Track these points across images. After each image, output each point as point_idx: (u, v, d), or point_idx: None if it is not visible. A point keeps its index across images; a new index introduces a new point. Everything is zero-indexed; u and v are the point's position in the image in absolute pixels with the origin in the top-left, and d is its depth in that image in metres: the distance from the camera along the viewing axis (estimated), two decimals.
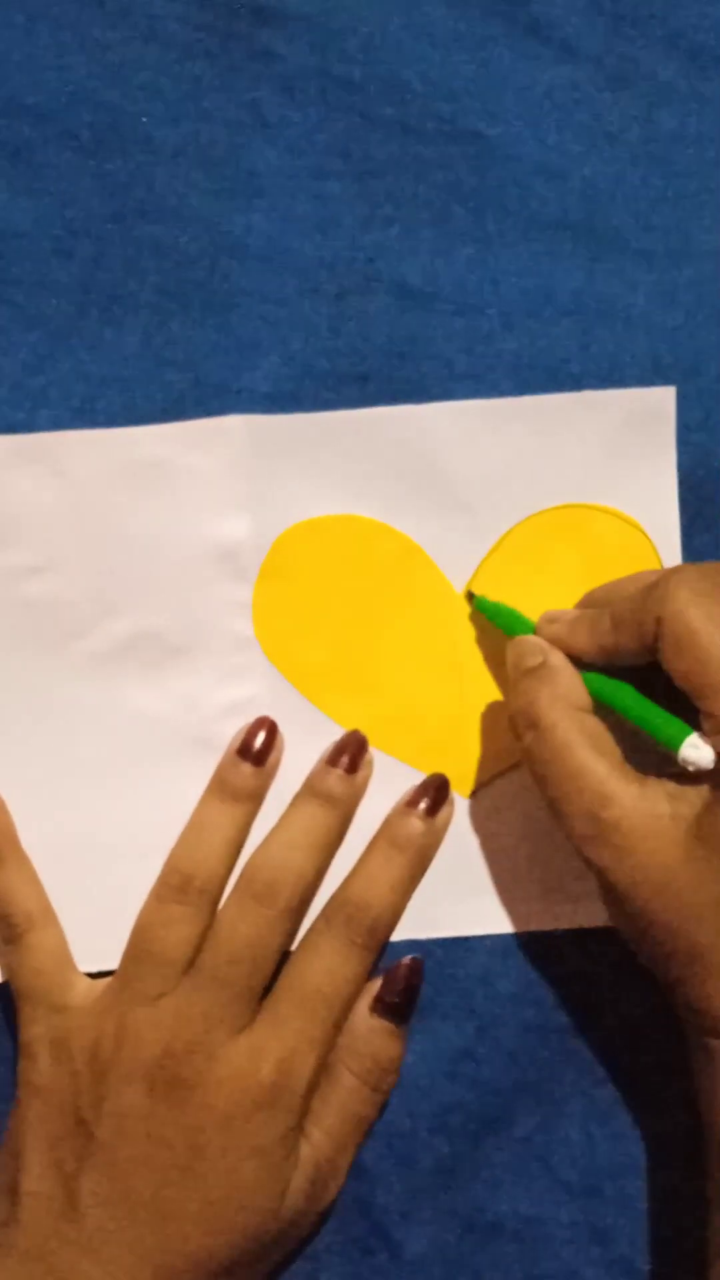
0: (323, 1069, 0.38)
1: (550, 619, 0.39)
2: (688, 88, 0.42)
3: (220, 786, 0.39)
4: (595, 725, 0.37)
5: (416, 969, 0.39)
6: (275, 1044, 0.37)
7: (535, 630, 0.39)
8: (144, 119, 0.42)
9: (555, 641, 0.38)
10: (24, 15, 0.42)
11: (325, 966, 0.38)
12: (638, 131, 0.42)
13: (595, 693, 0.37)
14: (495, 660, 0.41)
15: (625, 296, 0.42)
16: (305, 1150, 0.37)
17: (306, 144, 0.42)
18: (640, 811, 0.35)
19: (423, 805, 0.40)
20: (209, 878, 0.38)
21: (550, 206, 0.42)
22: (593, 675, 0.37)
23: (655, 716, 0.36)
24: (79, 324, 0.41)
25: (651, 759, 0.36)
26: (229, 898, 0.38)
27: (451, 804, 0.40)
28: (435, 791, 0.40)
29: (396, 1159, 0.40)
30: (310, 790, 0.40)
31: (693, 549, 0.41)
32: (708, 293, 0.42)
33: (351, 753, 0.40)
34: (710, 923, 0.34)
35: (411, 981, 0.39)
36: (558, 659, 0.37)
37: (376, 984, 0.39)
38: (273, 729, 0.40)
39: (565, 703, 0.37)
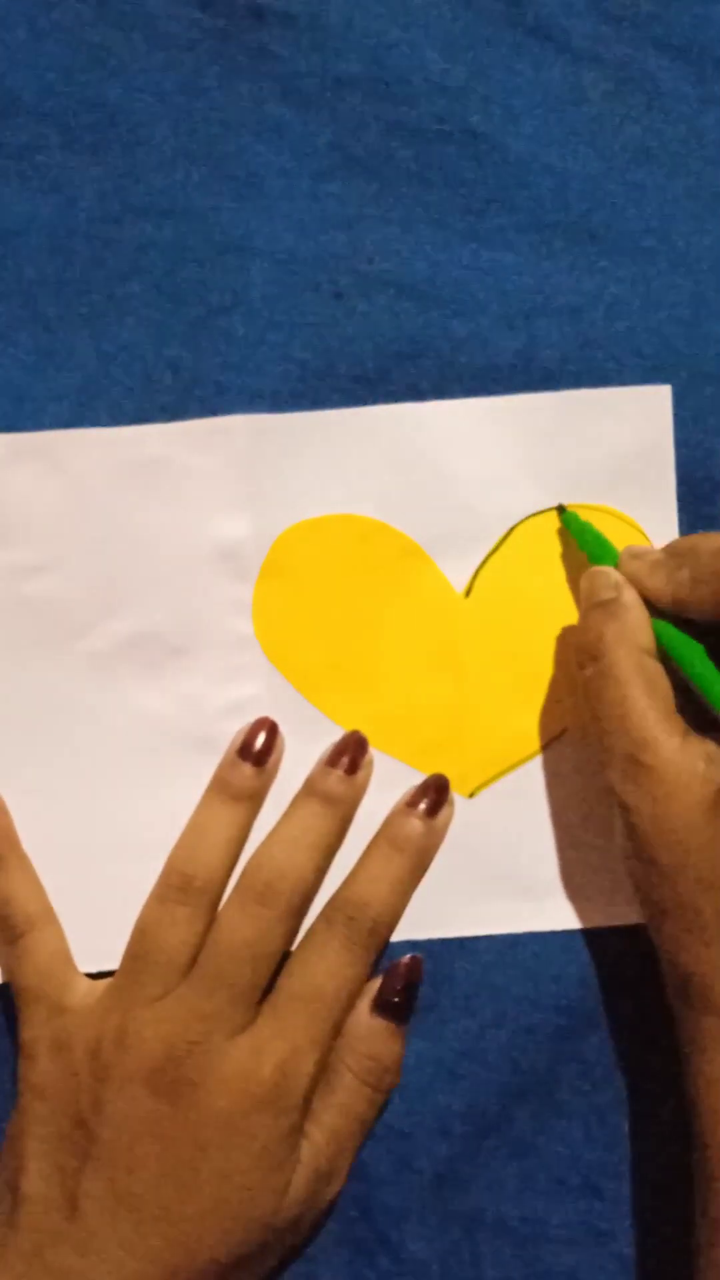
0: (323, 1069, 0.38)
1: (633, 554, 0.39)
2: (687, 87, 0.42)
3: (221, 787, 0.39)
4: (654, 669, 0.37)
5: (416, 968, 0.39)
6: (276, 1044, 0.37)
7: (617, 563, 0.39)
8: (144, 119, 0.42)
9: (632, 578, 0.38)
10: (25, 16, 0.42)
11: (326, 966, 0.38)
12: (638, 131, 0.42)
13: (661, 640, 0.37)
14: (495, 660, 0.41)
15: (625, 296, 0.42)
16: (306, 1150, 0.37)
17: (306, 144, 0.42)
18: (676, 764, 0.35)
19: (423, 806, 0.40)
20: (209, 878, 0.38)
21: (550, 206, 0.42)
22: (662, 623, 0.38)
23: (712, 677, 0.37)
24: (79, 324, 0.41)
25: (699, 720, 0.36)
26: (230, 898, 0.38)
27: (451, 804, 0.40)
28: (435, 792, 0.40)
29: (396, 1159, 0.40)
30: (310, 791, 0.40)
31: None
32: (707, 293, 0.42)
33: (352, 753, 0.40)
34: (716, 892, 0.35)
35: (411, 980, 0.39)
36: (630, 596, 0.37)
37: (376, 984, 0.39)
38: (273, 729, 0.40)
39: (630, 642, 0.37)
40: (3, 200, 0.41)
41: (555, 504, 0.41)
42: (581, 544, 0.40)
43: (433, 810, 0.40)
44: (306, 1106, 0.37)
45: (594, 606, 0.38)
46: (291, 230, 0.42)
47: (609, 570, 0.38)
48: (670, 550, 0.38)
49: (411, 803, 0.40)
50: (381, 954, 0.39)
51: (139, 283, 0.41)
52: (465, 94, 0.42)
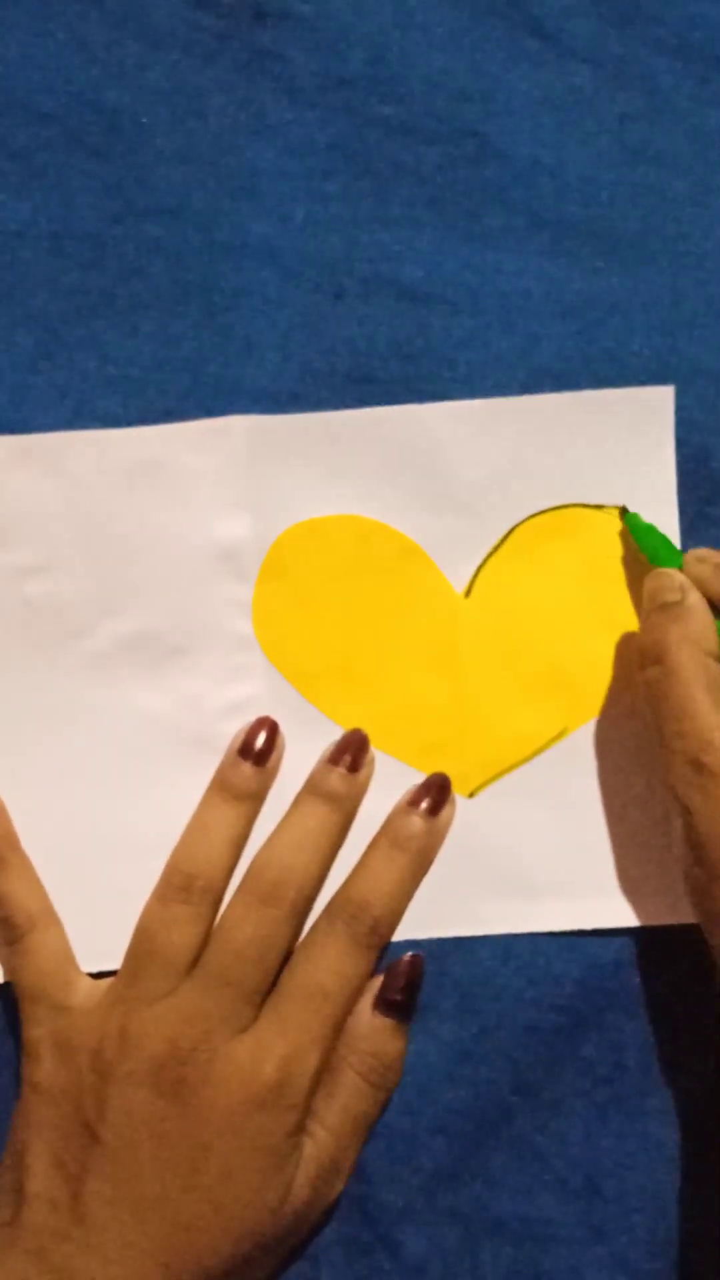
0: (326, 1067, 0.38)
1: (699, 557, 0.39)
2: (687, 87, 0.42)
3: (222, 786, 0.39)
4: (718, 672, 0.37)
5: (418, 965, 0.39)
6: (278, 1043, 0.37)
7: (682, 565, 0.39)
8: (144, 119, 0.42)
9: (698, 582, 0.38)
10: (26, 16, 0.42)
11: (328, 965, 0.38)
12: (637, 131, 0.42)
13: None
14: (495, 660, 0.41)
15: (625, 296, 0.42)
16: (309, 1148, 0.37)
17: (306, 144, 0.42)
18: None
19: (424, 805, 0.40)
20: (212, 878, 0.38)
21: (550, 206, 0.42)
22: None
23: None
24: (79, 324, 0.41)
25: None
26: (234, 897, 0.38)
27: (453, 804, 0.40)
28: (437, 791, 0.40)
29: (396, 1159, 0.40)
30: (313, 789, 0.40)
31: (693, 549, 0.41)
32: (708, 293, 0.42)
33: (353, 752, 0.40)
34: None
35: (413, 978, 0.39)
36: (696, 599, 0.38)
37: (378, 982, 0.39)
38: (274, 729, 0.40)
39: (694, 644, 0.37)
40: (3, 200, 0.41)
41: (561, 503, 0.41)
42: (643, 546, 0.40)
43: (434, 809, 0.40)
44: (309, 1105, 0.37)
45: (658, 608, 0.38)
46: (291, 230, 0.42)
47: (673, 572, 0.38)
48: None
49: (413, 802, 0.40)
50: (384, 953, 0.39)
51: (139, 283, 0.41)
52: (465, 94, 0.42)
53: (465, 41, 0.42)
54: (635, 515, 0.40)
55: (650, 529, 0.40)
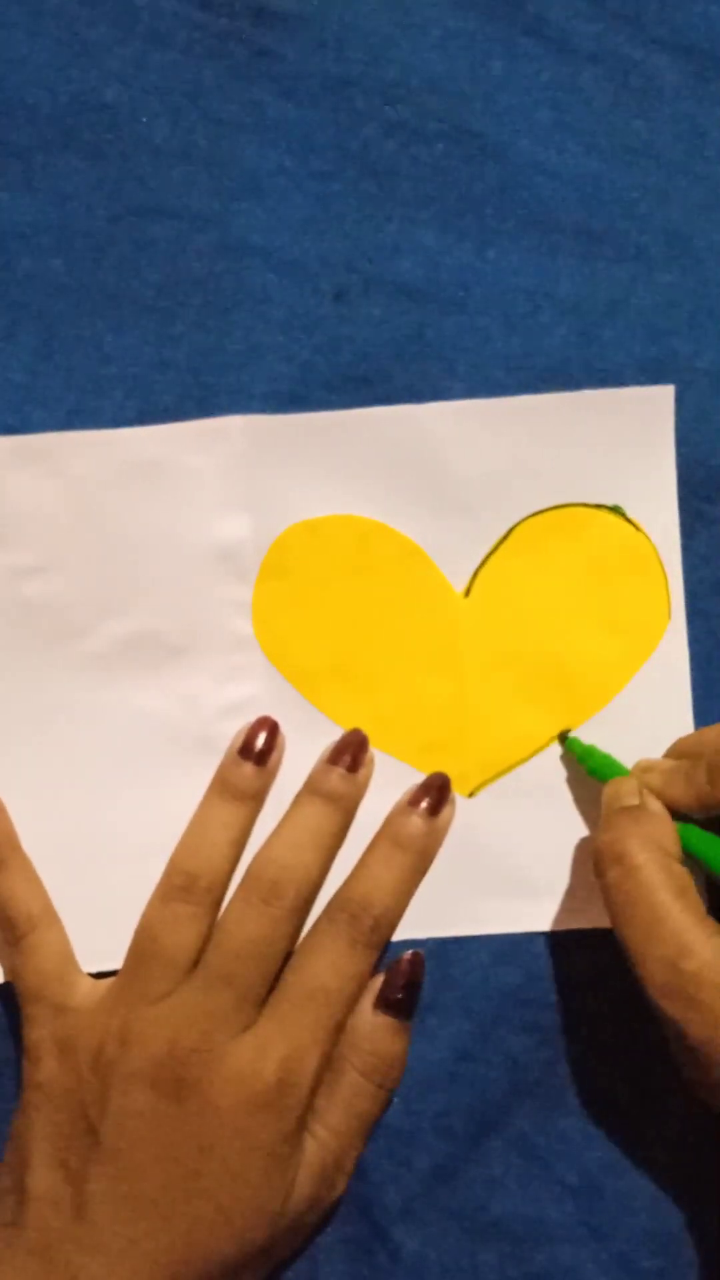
0: (327, 1067, 0.38)
1: (645, 768, 0.39)
2: (687, 87, 0.42)
3: (222, 786, 0.39)
4: (683, 873, 0.36)
5: (418, 963, 0.39)
6: (279, 1042, 0.37)
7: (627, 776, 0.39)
8: (144, 119, 0.42)
9: (651, 790, 0.38)
10: (25, 16, 0.42)
11: (329, 964, 0.38)
12: (637, 131, 0.42)
13: (686, 844, 0.37)
14: (495, 660, 0.41)
15: (625, 296, 0.42)
16: (311, 1148, 0.37)
17: (306, 144, 0.42)
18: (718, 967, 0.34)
19: (424, 804, 0.40)
20: (213, 877, 0.38)
21: (550, 206, 0.42)
22: (687, 826, 0.37)
23: None
24: (79, 324, 0.41)
25: None
26: (235, 897, 0.38)
27: (453, 804, 0.40)
28: (437, 791, 0.40)
29: (396, 1159, 0.40)
30: (313, 789, 0.40)
31: (693, 549, 0.41)
32: (708, 293, 0.42)
33: (353, 751, 0.40)
34: None
35: (413, 977, 0.39)
36: (656, 804, 0.37)
37: (379, 981, 0.39)
38: (274, 729, 0.40)
39: (656, 846, 0.36)
40: (3, 201, 0.41)
41: (556, 503, 0.41)
42: (590, 769, 0.40)
43: (434, 809, 0.40)
44: (310, 1104, 0.37)
45: (618, 812, 0.37)
46: (291, 230, 0.42)
47: (628, 780, 0.38)
48: (678, 753, 0.39)
49: (413, 801, 0.40)
50: (384, 952, 0.39)
51: (139, 283, 0.41)
52: (465, 94, 0.42)
53: (465, 41, 0.42)
54: (575, 739, 0.40)
55: (590, 750, 0.40)
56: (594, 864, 0.37)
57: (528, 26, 0.42)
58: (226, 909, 0.38)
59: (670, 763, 0.39)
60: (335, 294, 0.42)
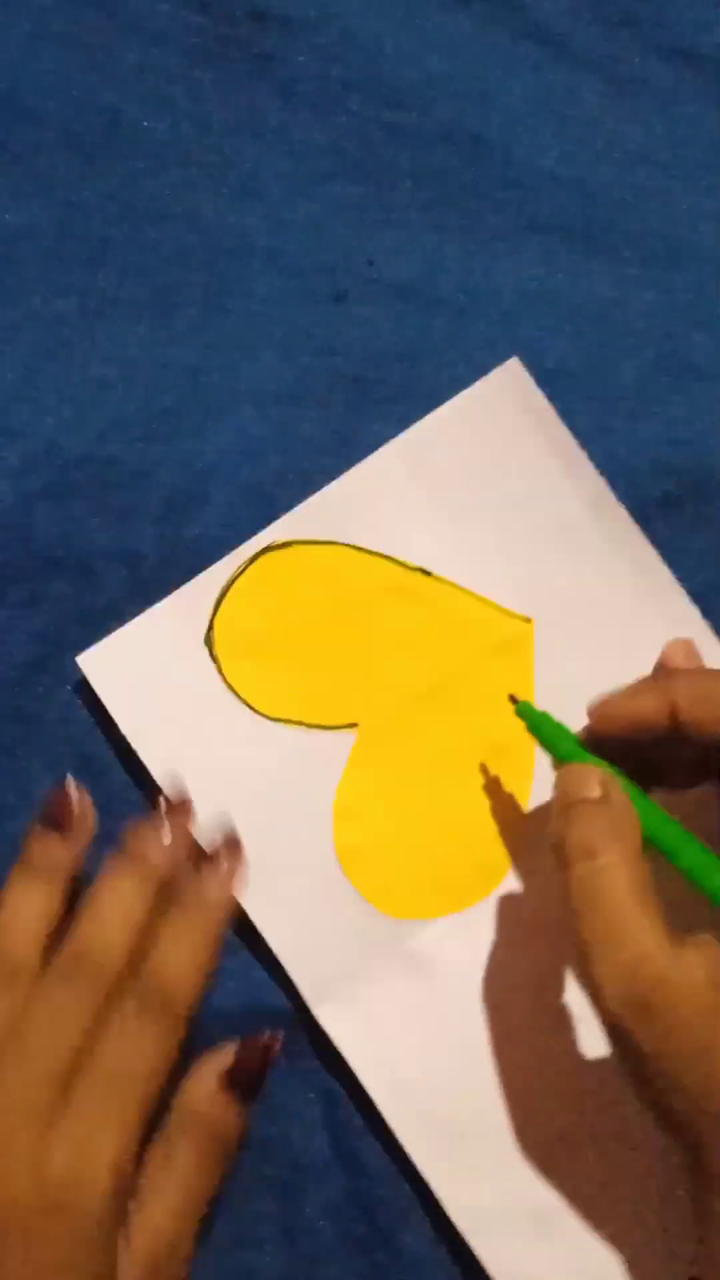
0: (133, 1153, 0.34)
1: (605, 698, 0.36)
2: (686, 89, 0.42)
3: (27, 864, 0.37)
4: (644, 873, 0.34)
5: (272, 1049, 0.37)
6: (73, 1130, 0.33)
7: (591, 714, 0.36)
8: (145, 122, 0.42)
9: (613, 711, 0.36)
10: (26, 19, 0.42)
11: (125, 1047, 0.35)
12: (636, 132, 0.42)
13: (649, 832, 0.35)
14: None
15: (625, 297, 0.42)
16: (138, 1241, 0.34)
17: (306, 145, 0.42)
18: (678, 976, 0.32)
19: (221, 863, 0.38)
20: (24, 957, 0.35)
21: (549, 207, 0.42)
22: (648, 811, 0.35)
23: (705, 864, 0.34)
24: (79, 324, 0.41)
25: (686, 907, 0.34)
26: (45, 979, 0.35)
27: (231, 870, 0.38)
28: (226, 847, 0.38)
29: (396, 1156, 0.40)
30: (125, 854, 0.37)
31: (693, 551, 0.41)
32: (707, 293, 0.42)
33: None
34: None
35: (266, 1060, 0.37)
36: (619, 795, 0.34)
37: (228, 1056, 0.37)
38: (75, 791, 0.37)
39: (624, 842, 0.34)
40: (3, 202, 0.42)
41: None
42: (542, 740, 0.37)
43: (220, 874, 0.38)
44: (119, 1198, 0.33)
45: (583, 803, 0.34)
46: (291, 232, 0.42)
47: (590, 767, 0.35)
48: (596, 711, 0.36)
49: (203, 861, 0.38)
50: (192, 1023, 0.36)
51: (139, 284, 0.42)
52: (465, 97, 0.42)
53: (465, 43, 0.42)
54: (525, 704, 0.37)
55: (545, 718, 0.37)
56: (556, 857, 0.34)
57: (526, 30, 0.43)
58: (32, 992, 0.35)
59: (628, 686, 0.36)
60: (335, 296, 0.42)
